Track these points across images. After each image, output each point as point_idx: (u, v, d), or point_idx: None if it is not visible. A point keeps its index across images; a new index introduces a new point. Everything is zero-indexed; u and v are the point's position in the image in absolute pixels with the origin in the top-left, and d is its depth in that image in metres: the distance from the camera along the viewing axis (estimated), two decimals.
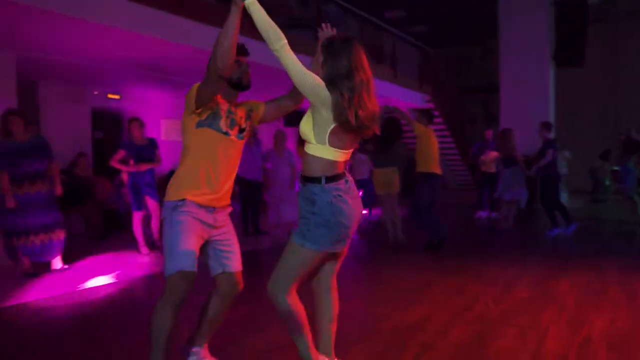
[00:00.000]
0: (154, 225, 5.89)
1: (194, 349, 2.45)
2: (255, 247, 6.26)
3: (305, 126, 2.09)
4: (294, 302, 2.14)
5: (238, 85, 2.35)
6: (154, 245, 5.93)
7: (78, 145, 7.40)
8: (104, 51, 5.81)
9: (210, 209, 2.27)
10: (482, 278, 4.56)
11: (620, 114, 13.49)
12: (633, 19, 12.94)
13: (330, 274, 2.29)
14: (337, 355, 2.38)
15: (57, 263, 4.81)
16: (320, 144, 2.06)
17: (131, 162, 5.61)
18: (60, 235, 4.77)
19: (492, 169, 8.76)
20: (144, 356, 2.30)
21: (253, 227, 7.05)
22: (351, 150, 2.16)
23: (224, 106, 2.31)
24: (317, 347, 2.27)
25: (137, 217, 5.66)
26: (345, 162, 2.15)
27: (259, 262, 5.59)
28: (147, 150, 5.63)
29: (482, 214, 9.19)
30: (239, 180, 6.88)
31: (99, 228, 6.86)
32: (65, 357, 2.86)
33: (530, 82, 11.66)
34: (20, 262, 4.71)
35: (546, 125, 7.16)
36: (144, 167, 5.58)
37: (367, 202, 8.29)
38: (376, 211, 8.83)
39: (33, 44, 5.35)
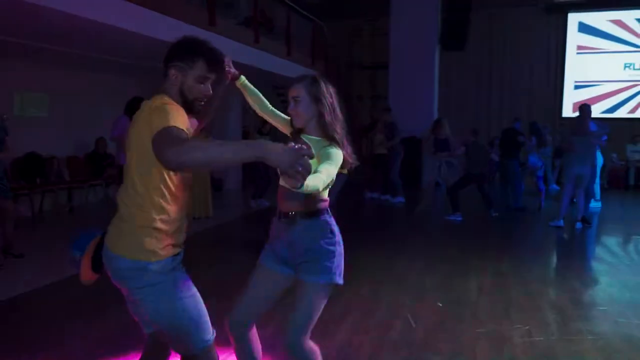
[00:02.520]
0: (8, 229, 4.81)
1: None
2: None
3: None
4: (311, 345, 2.02)
5: (189, 105, 1.78)
6: (6, 253, 4.83)
7: None
8: None
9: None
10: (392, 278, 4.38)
11: (493, 98, 14.45)
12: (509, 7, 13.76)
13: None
14: None
15: None
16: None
17: None
18: None
19: (383, 150, 8.81)
20: None
21: None
22: None
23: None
24: None
25: None
26: None
27: None
28: None
29: (373, 195, 9.29)
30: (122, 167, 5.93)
31: None
32: None
33: (418, 63, 11.91)
34: None
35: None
36: None
37: None
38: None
39: None
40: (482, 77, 14.48)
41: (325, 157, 1.85)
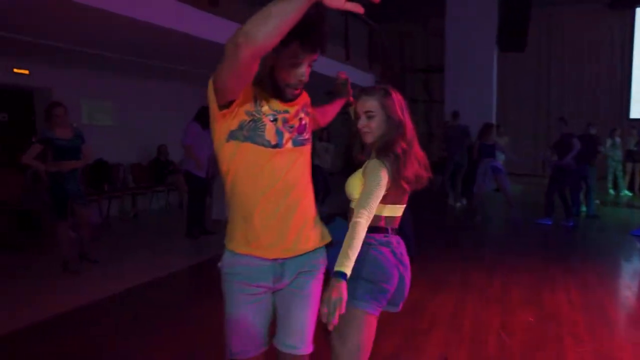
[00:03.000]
0: (86, 235, 4.91)
1: None
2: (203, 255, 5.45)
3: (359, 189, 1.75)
4: None
5: (279, 93, 1.56)
6: (82, 258, 4.93)
7: None
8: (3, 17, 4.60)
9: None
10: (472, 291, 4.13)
11: (553, 101, 13.84)
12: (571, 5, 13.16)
13: None
14: None
15: None
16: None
17: (51, 159, 4.53)
18: None
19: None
20: None
21: (199, 226, 6.18)
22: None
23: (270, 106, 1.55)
24: None
25: (62, 228, 4.61)
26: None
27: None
28: (72, 145, 4.57)
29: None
30: (187, 175, 5.99)
31: (6, 235, 5.64)
32: None
33: (475, 65, 11.53)
34: None
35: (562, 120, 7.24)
36: (68, 166, 4.52)
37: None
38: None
39: None
40: (541, 78, 13.93)
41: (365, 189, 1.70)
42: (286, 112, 1.58)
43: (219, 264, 1.64)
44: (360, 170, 1.80)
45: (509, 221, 7.47)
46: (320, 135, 7.98)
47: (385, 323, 1.90)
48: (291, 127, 1.59)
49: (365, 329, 1.73)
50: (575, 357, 2.96)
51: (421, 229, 5.56)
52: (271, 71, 1.52)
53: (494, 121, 11.55)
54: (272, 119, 1.54)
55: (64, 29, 5.09)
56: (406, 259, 1.86)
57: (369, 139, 1.82)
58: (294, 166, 1.58)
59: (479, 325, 3.44)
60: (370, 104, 1.80)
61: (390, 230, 1.82)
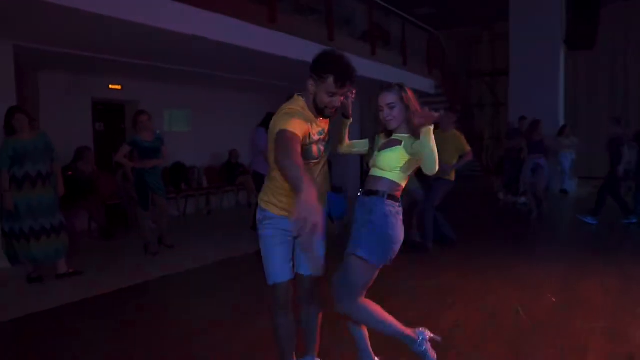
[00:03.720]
0: (164, 223, 5.72)
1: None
2: None
3: (402, 164, 2.26)
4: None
5: (320, 111, 2.19)
6: (161, 243, 5.74)
7: (79, 137, 7.15)
8: (104, 41, 5.55)
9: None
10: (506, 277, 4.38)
11: (631, 99, 13.17)
12: None
13: None
14: None
15: (62, 267, 4.61)
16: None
17: (136, 158, 5.39)
18: (63, 238, 4.57)
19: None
20: None
21: None
22: None
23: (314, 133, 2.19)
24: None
25: (142, 216, 5.45)
26: None
27: None
28: (154, 146, 5.40)
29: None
30: (255, 175, 6.44)
31: (104, 224, 6.65)
32: None
33: (541, 67, 11.36)
34: (23, 266, 4.53)
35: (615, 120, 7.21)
36: (150, 163, 5.35)
37: None
38: None
39: (32, 34, 5.09)
40: (614, 77, 13.31)
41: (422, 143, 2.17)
42: (323, 131, 2.24)
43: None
44: (398, 147, 2.25)
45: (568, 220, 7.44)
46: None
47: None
48: (325, 142, 2.26)
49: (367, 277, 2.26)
50: (586, 330, 3.18)
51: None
52: (314, 97, 2.14)
53: (561, 122, 11.31)
54: (315, 141, 2.18)
55: (151, 49, 5.99)
56: None
57: (393, 125, 2.30)
58: (323, 166, 2.32)
59: (502, 304, 3.73)
60: (391, 97, 2.27)
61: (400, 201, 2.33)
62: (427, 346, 2.29)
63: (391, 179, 2.27)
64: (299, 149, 1.98)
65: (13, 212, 4.32)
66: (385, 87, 2.32)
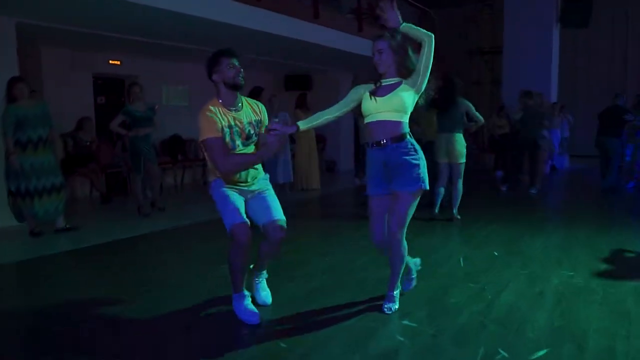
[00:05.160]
0: (154, 186, 6.19)
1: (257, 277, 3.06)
2: None
3: (410, 102, 2.73)
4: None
5: (233, 86, 2.74)
6: (153, 206, 6.23)
7: (81, 110, 7.60)
8: (104, 19, 5.93)
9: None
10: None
11: (630, 78, 13.27)
12: None
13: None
14: None
15: (60, 222, 5.11)
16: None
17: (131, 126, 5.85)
18: (63, 197, 5.05)
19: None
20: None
21: None
22: None
23: (225, 121, 2.69)
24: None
25: (136, 180, 5.93)
26: None
27: None
28: (146, 116, 5.83)
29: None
30: None
31: (103, 190, 7.16)
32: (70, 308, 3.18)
33: (534, 45, 11.52)
34: (26, 222, 5.04)
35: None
36: (142, 131, 5.80)
37: None
38: None
39: (33, 10, 5.48)
40: (614, 54, 13.39)
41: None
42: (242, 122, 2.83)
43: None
44: (402, 87, 2.70)
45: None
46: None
47: None
48: (253, 127, 2.84)
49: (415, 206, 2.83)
50: (513, 274, 3.59)
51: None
52: (223, 82, 2.80)
53: (554, 100, 11.51)
54: (236, 129, 2.78)
55: (154, 26, 6.33)
56: None
57: (381, 69, 2.75)
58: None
59: (447, 257, 4.16)
60: (380, 44, 2.72)
61: None
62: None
63: (404, 120, 2.73)
64: (224, 150, 2.64)
65: (19, 172, 4.79)
66: (378, 35, 2.76)
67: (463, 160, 5.39)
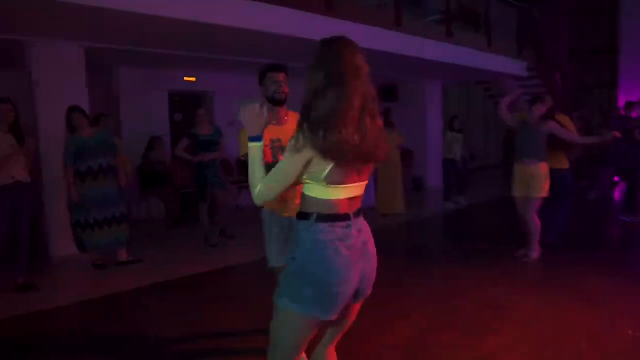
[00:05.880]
0: (223, 214, 5.83)
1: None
2: None
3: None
4: None
5: (272, 100, 2.60)
6: (223, 233, 5.86)
7: (157, 128, 7.50)
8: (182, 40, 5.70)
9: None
10: None
11: None
12: None
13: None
14: None
15: (122, 255, 4.88)
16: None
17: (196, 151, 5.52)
18: (125, 228, 4.82)
19: None
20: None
21: None
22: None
23: (267, 139, 2.42)
24: None
25: (201, 208, 5.59)
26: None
27: None
28: (212, 139, 5.49)
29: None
30: None
31: (177, 213, 6.94)
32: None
33: None
34: (89, 253, 4.86)
35: None
36: (208, 157, 5.45)
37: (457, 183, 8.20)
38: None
39: (104, 35, 5.34)
40: None
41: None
42: (278, 140, 2.62)
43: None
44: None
45: None
46: (451, 124, 7.80)
47: None
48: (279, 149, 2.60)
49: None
50: None
51: None
52: (265, 96, 2.70)
53: None
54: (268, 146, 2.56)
55: (224, 43, 6.05)
56: None
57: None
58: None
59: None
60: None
61: None
62: None
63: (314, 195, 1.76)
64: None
65: (79, 204, 4.63)
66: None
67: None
